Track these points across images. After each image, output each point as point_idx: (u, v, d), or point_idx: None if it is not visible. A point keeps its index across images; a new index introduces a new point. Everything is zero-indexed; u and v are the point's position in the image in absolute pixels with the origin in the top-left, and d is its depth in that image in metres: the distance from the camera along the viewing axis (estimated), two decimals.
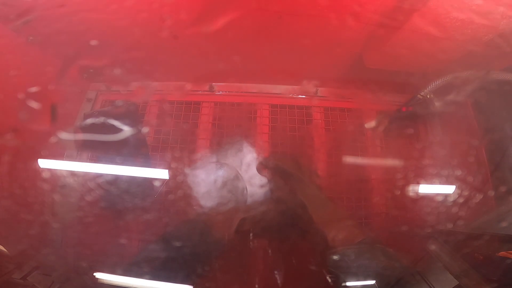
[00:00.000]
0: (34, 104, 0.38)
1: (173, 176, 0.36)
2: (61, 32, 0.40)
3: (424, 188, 0.38)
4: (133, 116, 0.37)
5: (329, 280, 0.33)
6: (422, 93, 0.38)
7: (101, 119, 0.35)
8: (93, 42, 0.40)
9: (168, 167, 0.38)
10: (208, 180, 0.36)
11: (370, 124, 0.41)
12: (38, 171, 0.37)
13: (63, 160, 0.39)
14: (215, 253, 0.34)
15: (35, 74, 0.41)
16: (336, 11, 0.41)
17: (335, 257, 0.32)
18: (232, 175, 0.36)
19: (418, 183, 0.38)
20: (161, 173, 0.38)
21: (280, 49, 0.41)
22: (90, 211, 0.37)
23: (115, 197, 0.35)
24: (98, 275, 0.37)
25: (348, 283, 0.37)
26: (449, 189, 0.38)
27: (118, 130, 0.35)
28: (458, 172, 0.38)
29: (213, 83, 0.42)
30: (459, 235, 0.36)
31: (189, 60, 0.39)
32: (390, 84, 0.44)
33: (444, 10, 0.39)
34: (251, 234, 0.34)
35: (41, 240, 0.39)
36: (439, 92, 0.42)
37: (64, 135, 0.37)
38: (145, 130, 0.39)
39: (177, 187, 0.35)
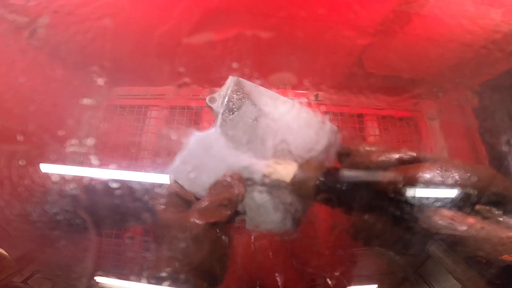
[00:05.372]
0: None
1: None
2: (69, 39, 0.41)
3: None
4: None
5: (329, 282, 0.33)
6: None
7: None
8: (100, 50, 0.41)
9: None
10: None
11: None
12: (43, 175, 0.37)
13: (67, 165, 0.39)
14: None
15: (44, 81, 0.42)
16: (335, 20, 0.42)
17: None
18: None
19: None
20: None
21: (280, 55, 0.42)
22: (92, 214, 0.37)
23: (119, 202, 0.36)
24: (99, 279, 0.37)
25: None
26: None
27: None
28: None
29: (214, 88, 0.43)
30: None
31: (191, 66, 0.40)
32: (388, 88, 0.44)
33: (438, 17, 0.41)
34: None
35: (42, 243, 0.39)
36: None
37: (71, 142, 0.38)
38: None
39: None
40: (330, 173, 0.32)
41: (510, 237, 0.27)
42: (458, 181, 0.28)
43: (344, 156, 0.33)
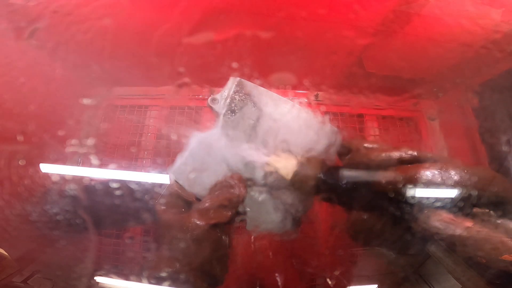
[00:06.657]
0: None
1: None
2: (69, 39, 0.41)
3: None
4: None
5: (329, 282, 0.33)
6: None
7: None
8: (100, 50, 0.41)
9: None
10: None
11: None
12: (43, 175, 0.37)
13: (67, 165, 0.39)
14: None
15: (44, 81, 0.42)
16: (335, 20, 0.42)
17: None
18: None
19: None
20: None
21: (280, 55, 0.42)
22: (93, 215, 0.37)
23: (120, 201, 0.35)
24: (99, 279, 0.37)
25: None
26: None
27: None
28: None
29: (214, 88, 0.43)
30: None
31: (191, 66, 0.40)
32: (388, 88, 0.45)
33: (438, 17, 0.41)
34: None
35: (42, 243, 0.39)
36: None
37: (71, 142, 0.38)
38: None
39: None
40: (330, 171, 0.32)
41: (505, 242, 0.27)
42: (457, 182, 0.28)
43: (345, 154, 0.33)
